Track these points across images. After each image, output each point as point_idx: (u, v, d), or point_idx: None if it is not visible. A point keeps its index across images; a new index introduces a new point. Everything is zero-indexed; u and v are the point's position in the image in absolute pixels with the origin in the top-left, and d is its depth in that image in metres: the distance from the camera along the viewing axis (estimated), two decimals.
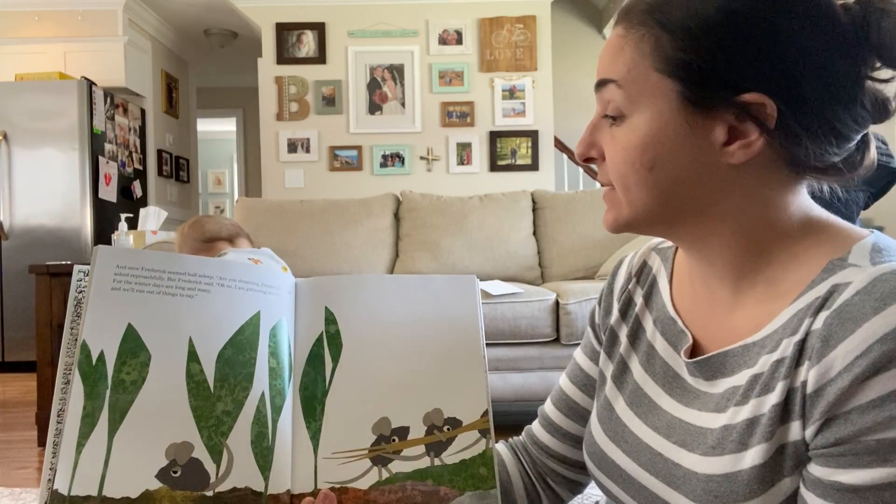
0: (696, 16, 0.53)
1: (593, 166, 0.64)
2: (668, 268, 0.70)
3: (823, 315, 0.50)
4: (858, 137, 0.56)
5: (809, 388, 0.49)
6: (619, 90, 0.57)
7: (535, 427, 0.81)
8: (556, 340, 2.49)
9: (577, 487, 0.80)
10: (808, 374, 0.49)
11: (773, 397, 0.52)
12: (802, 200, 0.58)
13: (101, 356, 0.55)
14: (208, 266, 0.60)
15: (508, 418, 2.72)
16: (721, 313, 0.61)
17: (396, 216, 3.27)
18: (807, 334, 0.51)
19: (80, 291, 0.57)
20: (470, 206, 3.19)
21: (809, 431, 0.50)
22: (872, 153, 0.57)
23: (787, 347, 0.52)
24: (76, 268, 0.58)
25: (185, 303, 0.58)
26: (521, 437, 0.84)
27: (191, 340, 0.58)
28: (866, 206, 2.14)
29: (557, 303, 2.49)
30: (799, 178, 0.57)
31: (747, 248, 0.58)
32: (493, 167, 4.95)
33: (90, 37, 4.99)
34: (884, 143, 2.07)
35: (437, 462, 0.60)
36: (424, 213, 3.19)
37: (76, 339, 0.56)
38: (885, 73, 0.55)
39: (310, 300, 0.64)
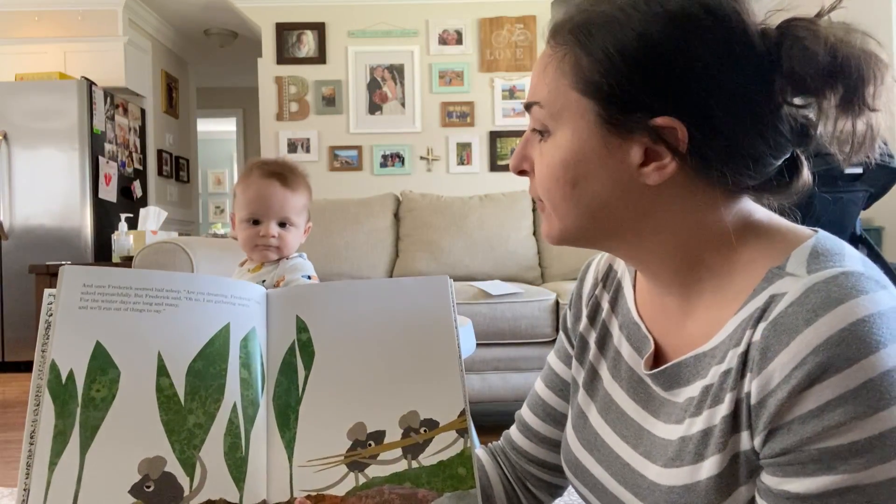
0: (615, 40, 0.54)
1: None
2: (632, 272, 0.71)
3: (762, 326, 0.51)
4: (779, 162, 0.56)
5: (753, 400, 0.50)
6: (542, 109, 0.59)
7: (513, 432, 0.82)
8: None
9: (556, 491, 0.80)
10: (751, 386, 0.50)
11: (723, 408, 0.53)
12: (741, 208, 0.58)
13: (71, 375, 0.55)
14: (175, 280, 0.61)
15: (508, 418, 2.70)
16: (676, 320, 0.62)
17: (396, 216, 3.27)
18: (749, 345, 0.52)
19: (51, 315, 0.57)
20: (470, 206, 3.18)
21: (757, 441, 0.51)
22: (805, 174, 0.58)
23: (733, 359, 0.53)
24: (46, 291, 0.58)
25: (152, 318, 0.58)
26: (500, 441, 0.84)
27: (160, 355, 0.58)
28: (866, 206, 2.13)
29: (557, 303, 2.48)
30: (732, 193, 0.57)
31: (683, 260, 0.59)
32: (493, 167, 4.94)
33: (90, 37, 4.98)
34: (884, 143, 2.05)
35: (414, 464, 0.60)
36: (424, 213, 3.18)
37: (46, 362, 0.55)
38: (801, 99, 0.55)
39: (281, 310, 0.64)
